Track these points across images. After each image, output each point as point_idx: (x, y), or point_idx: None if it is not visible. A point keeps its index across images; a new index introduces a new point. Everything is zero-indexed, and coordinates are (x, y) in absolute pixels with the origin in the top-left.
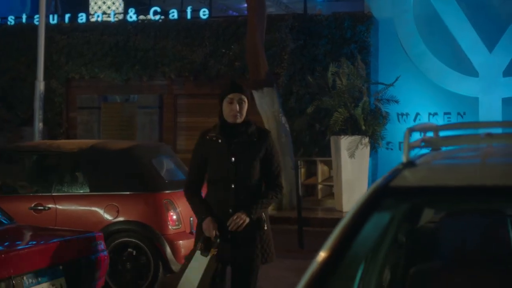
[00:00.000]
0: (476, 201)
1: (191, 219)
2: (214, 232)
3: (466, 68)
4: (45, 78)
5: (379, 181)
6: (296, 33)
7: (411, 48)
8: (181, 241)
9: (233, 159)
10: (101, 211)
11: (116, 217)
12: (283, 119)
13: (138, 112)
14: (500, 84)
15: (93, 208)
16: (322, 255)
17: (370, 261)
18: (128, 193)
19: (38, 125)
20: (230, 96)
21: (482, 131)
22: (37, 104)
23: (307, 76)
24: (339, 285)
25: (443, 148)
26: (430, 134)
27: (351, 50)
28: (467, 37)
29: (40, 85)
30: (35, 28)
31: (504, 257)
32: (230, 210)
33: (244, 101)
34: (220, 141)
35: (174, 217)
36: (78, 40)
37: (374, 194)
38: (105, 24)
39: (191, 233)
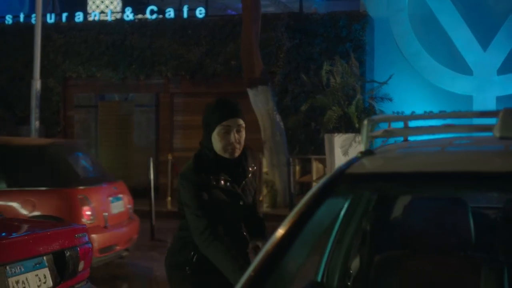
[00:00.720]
0: (428, 187)
1: (105, 214)
2: None
3: (460, 66)
4: (42, 77)
5: (336, 168)
6: (292, 32)
7: (406, 47)
8: (95, 235)
9: (241, 202)
10: (17, 206)
11: (32, 211)
12: (278, 117)
13: (135, 111)
14: (494, 83)
15: (10, 203)
16: (274, 237)
17: (335, 249)
18: (44, 188)
19: (35, 123)
20: (226, 123)
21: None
22: (34, 103)
23: (302, 74)
24: (292, 265)
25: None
26: (401, 125)
27: (346, 49)
28: (461, 36)
29: (37, 84)
30: (32, 27)
31: (465, 243)
32: (257, 244)
33: (243, 127)
34: (228, 184)
35: (89, 212)
36: (75, 39)
37: (329, 180)
38: (102, 23)
39: (105, 227)
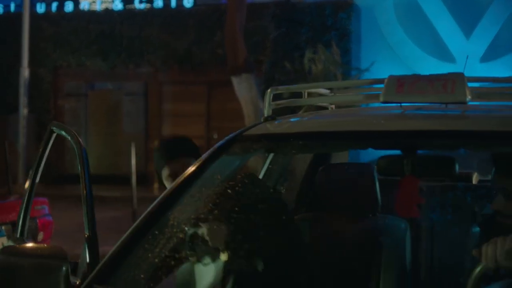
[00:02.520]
0: (317, 146)
1: None
2: None
3: (444, 54)
4: (33, 66)
5: (237, 131)
6: (279, 21)
7: (390, 35)
8: None
9: None
10: None
11: None
12: (261, 104)
13: (124, 100)
14: (477, 70)
15: None
16: (169, 188)
17: None
18: None
19: (23, 111)
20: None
21: None
22: (22, 90)
23: (286, 62)
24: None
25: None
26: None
27: (332, 37)
28: (445, 24)
29: (25, 72)
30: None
31: (373, 206)
32: None
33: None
34: None
35: None
36: (65, 29)
37: (226, 140)
38: (91, 13)
39: None
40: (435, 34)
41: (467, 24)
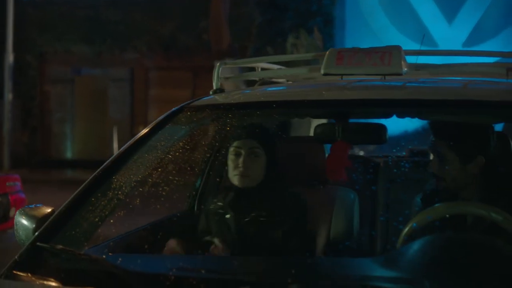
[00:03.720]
0: (257, 114)
1: None
2: None
3: (426, 40)
4: (18, 52)
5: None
6: (264, 7)
7: (374, 21)
8: None
9: None
10: None
11: None
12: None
13: (110, 85)
14: (460, 56)
15: None
16: (115, 154)
17: (205, 180)
18: None
19: (8, 96)
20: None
21: None
22: (6, 75)
23: (268, 48)
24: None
25: None
26: None
27: (317, 23)
28: (427, 10)
29: (9, 57)
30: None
31: (322, 178)
32: None
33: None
34: None
35: None
36: (51, 14)
37: (173, 110)
38: None
39: None
40: (417, 20)
41: (450, 10)
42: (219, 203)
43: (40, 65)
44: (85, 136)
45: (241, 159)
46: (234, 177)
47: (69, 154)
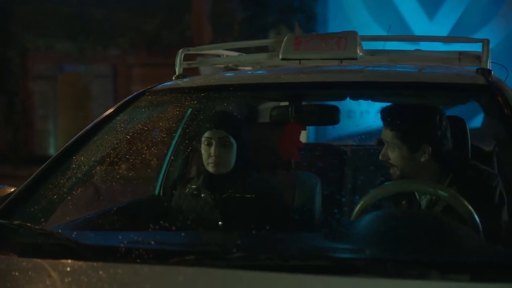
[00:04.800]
0: (216, 97)
1: None
2: None
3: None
4: (1, 48)
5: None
6: (246, 3)
7: (356, 17)
8: None
9: None
10: None
11: None
12: None
13: (93, 82)
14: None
15: None
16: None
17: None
18: None
19: None
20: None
21: None
22: None
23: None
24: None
25: None
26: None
27: (299, 20)
28: (408, 5)
29: None
30: None
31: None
32: None
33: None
34: None
35: None
36: (34, 10)
37: (134, 94)
38: None
39: None
40: (399, 16)
41: (431, 6)
42: (193, 186)
43: (23, 62)
44: (68, 133)
45: (212, 148)
46: (208, 165)
47: (52, 151)
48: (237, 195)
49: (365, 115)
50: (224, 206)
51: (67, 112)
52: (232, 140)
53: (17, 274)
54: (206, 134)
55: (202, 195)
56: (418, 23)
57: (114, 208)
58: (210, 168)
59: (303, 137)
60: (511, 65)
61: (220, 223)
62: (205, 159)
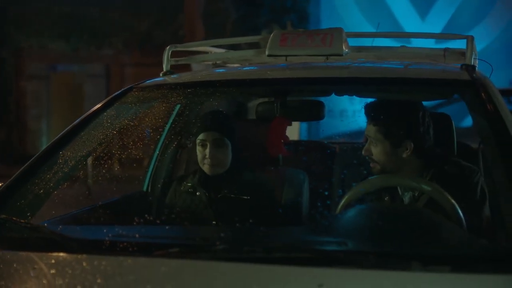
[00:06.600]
0: (202, 93)
1: None
2: None
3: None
4: None
5: None
6: (239, 3)
7: (348, 17)
8: None
9: None
10: None
11: None
12: None
13: (86, 82)
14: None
15: None
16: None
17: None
18: None
19: None
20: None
21: None
22: None
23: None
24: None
25: None
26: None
27: (291, 19)
28: (400, 5)
29: None
30: None
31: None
32: None
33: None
34: None
35: None
36: (27, 10)
37: (122, 90)
38: None
39: None
40: (391, 16)
41: (423, 6)
42: (189, 184)
43: (17, 61)
44: (61, 132)
45: (207, 150)
46: (203, 166)
47: None
48: (232, 195)
49: (357, 114)
50: (218, 205)
51: (60, 111)
52: (227, 141)
53: (1, 266)
54: (200, 136)
55: (197, 193)
56: (411, 22)
57: (102, 204)
58: (205, 169)
59: (295, 135)
60: (502, 63)
61: (213, 222)
62: (200, 160)
